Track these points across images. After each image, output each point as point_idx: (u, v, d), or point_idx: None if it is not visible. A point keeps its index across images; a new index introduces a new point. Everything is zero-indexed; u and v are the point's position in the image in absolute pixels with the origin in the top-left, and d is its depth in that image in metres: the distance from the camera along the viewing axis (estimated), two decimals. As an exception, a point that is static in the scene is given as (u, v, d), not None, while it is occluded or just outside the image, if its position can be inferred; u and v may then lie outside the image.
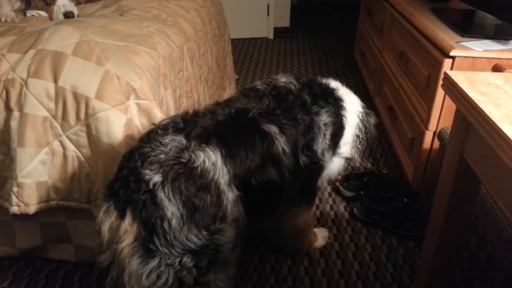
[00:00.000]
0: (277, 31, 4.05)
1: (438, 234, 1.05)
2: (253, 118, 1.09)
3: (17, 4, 1.69)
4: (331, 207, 1.78)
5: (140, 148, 0.95)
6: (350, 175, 1.86)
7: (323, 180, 1.41)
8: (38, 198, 1.28)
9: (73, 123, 1.24)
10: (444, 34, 1.59)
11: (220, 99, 2.26)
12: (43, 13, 1.70)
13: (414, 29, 1.83)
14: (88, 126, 1.23)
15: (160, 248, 0.89)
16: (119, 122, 1.23)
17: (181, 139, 0.96)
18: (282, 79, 1.30)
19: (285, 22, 4.05)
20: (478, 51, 1.43)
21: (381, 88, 2.40)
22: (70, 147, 1.26)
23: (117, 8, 1.78)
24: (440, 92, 1.53)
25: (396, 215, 1.62)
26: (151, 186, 0.88)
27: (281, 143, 1.10)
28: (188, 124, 1.01)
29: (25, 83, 1.22)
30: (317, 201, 1.80)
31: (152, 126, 1.05)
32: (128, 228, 0.89)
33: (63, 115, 1.23)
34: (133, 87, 1.26)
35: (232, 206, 0.99)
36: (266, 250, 1.54)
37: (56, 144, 1.26)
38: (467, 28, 1.64)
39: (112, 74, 1.25)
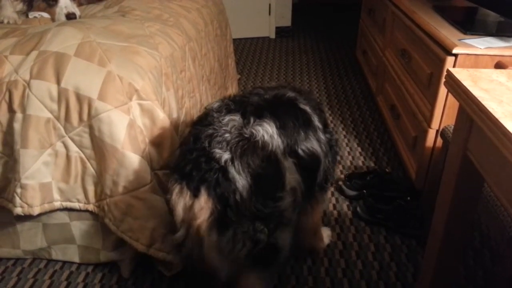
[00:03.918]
0: (279, 30, 4.05)
1: (441, 233, 1.05)
2: (291, 98, 1.21)
3: (19, 6, 1.70)
4: (334, 206, 1.77)
5: (204, 131, 1.02)
6: (353, 174, 1.86)
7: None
8: (41, 199, 1.28)
9: (76, 124, 1.24)
10: (446, 32, 1.58)
11: (222, 99, 2.26)
12: (45, 15, 1.71)
13: (416, 27, 1.82)
14: (91, 127, 1.24)
15: (233, 219, 0.97)
16: (122, 123, 1.23)
17: (239, 118, 1.05)
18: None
19: (287, 22, 4.05)
20: (481, 48, 1.43)
21: (383, 86, 2.39)
22: (73, 148, 1.26)
23: (119, 9, 1.78)
24: (442, 90, 1.53)
25: (399, 214, 1.62)
26: (222, 163, 0.96)
27: (316, 120, 1.21)
28: (239, 104, 1.10)
29: (28, 84, 1.22)
30: (320, 200, 1.80)
31: (204, 110, 1.14)
32: (204, 205, 0.96)
33: (66, 116, 1.24)
34: (135, 87, 1.27)
35: (289, 174, 1.07)
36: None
37: (59, 145, 1.26)
38: (470, 25, 1.64)
39: (115, 75, 1.25)
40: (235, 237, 0.99)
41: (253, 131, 1.02)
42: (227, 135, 1.00)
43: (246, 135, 1.01)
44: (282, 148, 1.06)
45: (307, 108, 1.20)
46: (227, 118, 1.04)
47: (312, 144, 1.16)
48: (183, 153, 1.04)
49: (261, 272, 1.11)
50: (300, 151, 1.12)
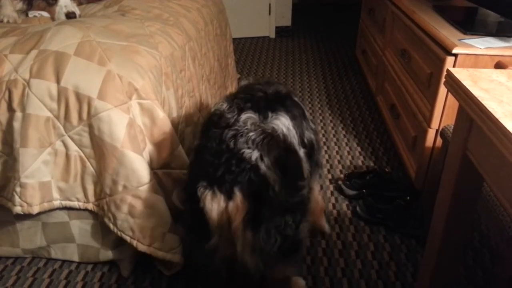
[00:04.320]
0: (279, 30, 4.05)
1: (441, 232, 1.05)
2: (288, 92, 1.26)
3: (19, 5, 1.69)
4: (334, 205, 1.77)
5: (226, 133, 1.02)
6: (353, 174, 1.86)
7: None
8: (41, 198, 1.28)
9: (76, 123, 1.24)
10: (446, 32, 1.58)
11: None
12: (45, 14, 1.71)
13: (416, 26, 1.82)
14: (90, 126, 1.23)
15: (267, 214, 0.98)
16: (122, 122, 1.23)
17: (254, 115, 1.06)
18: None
19: (287, 21, 4.04)
20: (481, 48, 1.43)
21: (383, 86, 2.39)
22: (73, 147, 1.26)
23: (118, 8, 1.78)
24: (442, 90, 1.53)
25: (399, 213, 1.62)
26: (253, 162, 0.97)
27: (306, 111, 1.26)
28: (248, 101, 1.11)
29: (28, 83, 1.22)
30: (319, 200, 1.80)
31: (214, 111, 1.13)
32: (240, 206, 0.97)
33: (65, 115, 1.24)
34: (135, 87, 1.26)
35: (304, 163, 1.11)
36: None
37: (58, 144, 1.26)
38: (470, 25, 1.64)
39: (114, 74, 1.25)
40: (268, 233, 1.00)
41: (273, 125, 1.05)
42: (251, 133, 1.00)
43: (268, 131, 1.03)
44: (297, 138, 1.11)
45: (298, 100, 1.25)
46: (243, 116, 1.05)
47: (309, 133, 1.21)
48: (207, 158, 1.01)
49: (288, 263, 1.16)
50: (305, 140, 1.17)
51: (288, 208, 1.02)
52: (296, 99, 1.24)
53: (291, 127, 1.09)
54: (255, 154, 0.98)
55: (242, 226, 0.98)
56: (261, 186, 0.97)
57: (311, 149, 1.20)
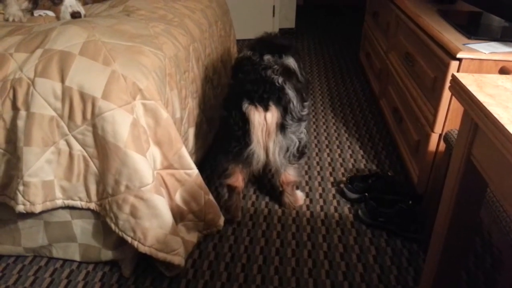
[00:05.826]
0: (282, 32, 4.05)
1: (443, 237, 1.05)
2: (290, 44, 1.70)
3: (25, 4, 1.70)
4: (336, 209, 1.77)
5: (258, 66, 1.48)
6: (355, 177, 1.86)
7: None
8: (43, 197, 1.28)
9: (80, 123, 1.24)
10: (450, 36, 1.58)
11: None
12: (50, 13, 1.71)
13: (421, 30, 1.82)
14: (94, 126, 1.24)
15: (289, 121, 1.46)
16: (125, 122, 1.23)
17: (272, 57, 1.53)
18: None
19: (291, 23, 4.05)
20: (485, 53, 1.43)
21: (387, 89, 2.39)
22: (76, 146, 1.26)
23: (123, 9, 1.79)
24: (446, 94, 1.52)
25: (401, 217, 1.62)
26: (280, 84, 1.44)
27: (301, 61, 1.74)
28: (266, 49, 1.57)
29: (32, 82, 1.23)
30: (321, 203, 1.80)
31: (241, 57, 1.62)
32: (275, 113, 1.43)
33: (69, 114, 1.24)
34: (139, 87, 1.27)
35: (308, 90, 1.63)
36: (270, 252, 1.54)
37: (62, 144, 1.26)
38: (474, 30, 1.64)
39: (119, 74, 1.25)
40: (291, 136, 1.49)
41: (287, 62, 1.54)
42: (275, 66, 1.47)
43: (285, 65, 1.51)
44: (299, 71, 1.59)
45: (297, 51, 1.71)
46: (265, 57, 1.52)
47: (303, 75, 1.65)
48: (248, 85, 1.43)
49: (297, 164, 1.62)
50: (301, 77, 1.61)
51: (300, 118, 1.49)
52: (295, 50, 1.68)
53: (295, 65, 1.56)
54: (280, 79, 1.43)
55: (275, 129, 1.44)
56: (286, 100, 1.43)
57: (307, 84, 1.66)
